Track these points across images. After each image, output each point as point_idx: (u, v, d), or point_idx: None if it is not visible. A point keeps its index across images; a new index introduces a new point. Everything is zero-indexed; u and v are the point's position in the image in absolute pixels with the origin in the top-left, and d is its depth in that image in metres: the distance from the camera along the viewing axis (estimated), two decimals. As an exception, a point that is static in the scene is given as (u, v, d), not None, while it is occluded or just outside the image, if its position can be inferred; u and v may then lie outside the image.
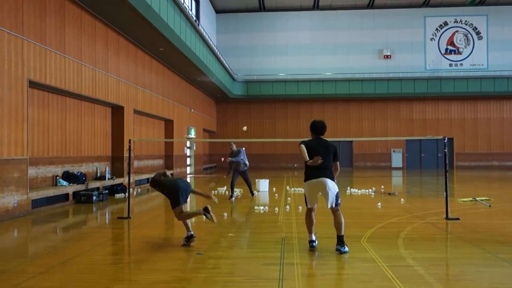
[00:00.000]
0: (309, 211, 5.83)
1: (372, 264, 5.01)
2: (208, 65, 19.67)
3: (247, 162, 11.72)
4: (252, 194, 11.94)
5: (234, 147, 11.67)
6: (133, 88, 14.98)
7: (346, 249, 5.45)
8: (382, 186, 14.21)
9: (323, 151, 5.63)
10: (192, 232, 6.09)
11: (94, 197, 10.83)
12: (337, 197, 5.58)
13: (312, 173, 5.67)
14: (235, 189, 11.79)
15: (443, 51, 29.17)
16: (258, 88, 28.25)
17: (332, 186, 5.58)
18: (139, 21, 12.43)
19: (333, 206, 5.56)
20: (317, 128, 5.88)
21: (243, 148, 11.89)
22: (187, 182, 6.49)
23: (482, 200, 10.70)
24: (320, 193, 5.70)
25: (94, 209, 10.12)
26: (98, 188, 11.95)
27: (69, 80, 10.71)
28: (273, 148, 29.43)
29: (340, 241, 5.52)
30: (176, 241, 6.66)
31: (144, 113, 16.39)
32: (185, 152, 22.57)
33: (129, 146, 8.84)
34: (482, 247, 5.79)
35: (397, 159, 29.26)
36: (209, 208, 6.06)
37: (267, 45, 29.51)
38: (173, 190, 6.11)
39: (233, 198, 11.53)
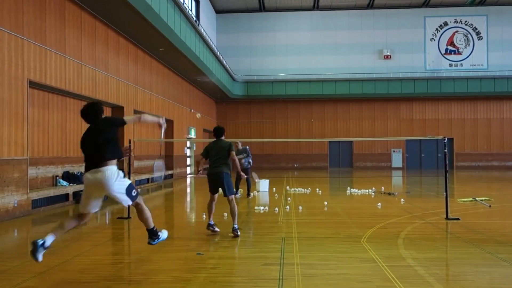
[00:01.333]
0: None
1: (372, 264, 5.01)
2: (208, 65, 19.67)
3: (250, 161, 12.02)
4: (248, 195, 12.01)
5: (240, 146, 12.02)
6: (133, 88, 14.98)
7: (156, 241, 4.79)
8: (383, 187, 14.22)
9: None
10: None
11: (94, 197, 10.80)
12: (129, 191, 4.46)
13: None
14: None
15: (443, 51, 29.18)
16: (258, 88, 28.26)
17: (111, 182, 4.30)
18: (139, 21, 12.43)
19: (130, 203, 4.58)
20: None
21: (247, 147, 12.19)
22: None
23: (482, 200, 10.70)
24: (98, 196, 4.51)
25: (94, 209, 10.10)
26: (98, 188, 11.94)
27: (69, 80, 10.72)
28: (273, 148, 29.43)
29: (151, 233, 4.78)
30: (176, 241, 6.66)
31: (144, 113, 16.39)
32: (185, 152, 22.58)
33: (129, 146, 8.83)
34: (482, 247, 5.79)
35: (397, 159, 29.26)
36: None
37: (267, 45, 29.52)
38: None
39: (238, 195, 11.87)
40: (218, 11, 29.34)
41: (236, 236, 6.53)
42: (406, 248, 5.74)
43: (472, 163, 28.74)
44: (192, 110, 23.13)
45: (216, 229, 6.86)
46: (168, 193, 14.71)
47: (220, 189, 6.82)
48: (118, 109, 14.12)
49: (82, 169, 12.13)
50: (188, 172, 23.11)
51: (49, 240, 4.21)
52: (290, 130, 29.45)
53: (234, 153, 6.77)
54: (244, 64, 29.19)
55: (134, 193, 4.55)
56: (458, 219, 7.97)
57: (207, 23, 26.22)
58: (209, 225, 6.89)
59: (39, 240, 4.12)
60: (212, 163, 6.77)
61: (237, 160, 6.89)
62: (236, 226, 6.65)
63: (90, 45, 11.92)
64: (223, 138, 7.03)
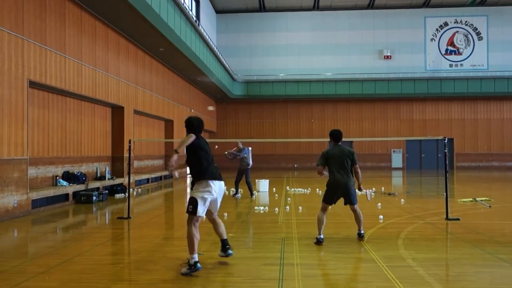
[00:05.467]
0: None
1: (372, 264, 5.00)
2: (208, 65, 19.67)
3: (250, 162, 12.03)
4: (252, 195, 12.02)
5: (240, 145, 12.07)
6: (133, 88, 14.98)
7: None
8: (383, 187, 14.22)
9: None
10: None
11: (94, 197, 10.83)
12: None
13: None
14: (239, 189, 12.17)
15: (443, 52, 29.17)
16: (258, 89, 28.25)
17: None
18: (139, 21, 12.43)
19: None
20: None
21: (250, 148, 12.24)
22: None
23: (482, 200, 10.69)
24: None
25: (94, 209, 10.12)
26: (98, 188, 11.95)
27: (69, 80, 10.71)
28: (273, 149, 29.42)
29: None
30: (176, 241, 6.66)
31: (144, 113, 16.39)
32: (185, 152, 22.52)
33: (129, 146, 8.85)
34: (482, 247, 5.79)
35: (397, 159, 29.25)
36: None
37: (267, 45, 29.51)
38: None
39: (239, 195, 11.96)
40: (218, 11, 29.34)
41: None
42: (406, 249, 5.74)
43: (472, 163, 28.72)
44: (192, 110, 23.14)
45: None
46: (168, 193, 14.71)
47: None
48: (118, 109, 14.13)
49: (82, 169, 12.17)
50: (188, 172, 23.06)
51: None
52: (290, 130, 29.44)
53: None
54: (244, 64, 29.19)
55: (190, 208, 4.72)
56: (458, 219, 7.96)
57: (207, 23, 26.22)
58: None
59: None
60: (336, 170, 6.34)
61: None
62: (362, 232, 6.40)
63: (90, 45, 11.91)
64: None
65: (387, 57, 28.96)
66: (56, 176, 10.94)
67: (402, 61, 28.93)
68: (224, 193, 12.97)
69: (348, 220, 8.14)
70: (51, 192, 9.99)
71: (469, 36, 29.12)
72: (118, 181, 13.28)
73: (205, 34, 19.80)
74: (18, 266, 5.09)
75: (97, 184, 12.08)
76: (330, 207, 6.31)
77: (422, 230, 7.17)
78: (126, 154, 13.86)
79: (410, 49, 29.04)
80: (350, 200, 6.22)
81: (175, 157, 4.70)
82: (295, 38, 29.40)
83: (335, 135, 6.71)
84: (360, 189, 6.36)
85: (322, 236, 6.10)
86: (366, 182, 17.09)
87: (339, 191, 6.20)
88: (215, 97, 28.33)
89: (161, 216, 9.54)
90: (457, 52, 29.16)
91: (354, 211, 6.28)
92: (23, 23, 8.93)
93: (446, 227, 7.44)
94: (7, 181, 8.39)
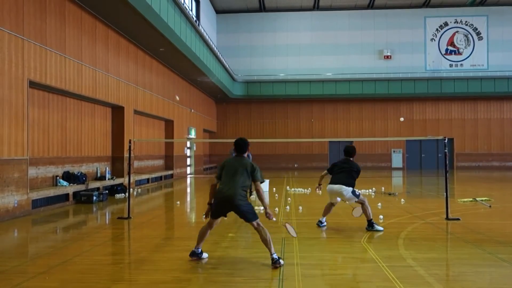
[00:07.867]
0: None
1: (372, 264, 5.00)
2: (208, 65, 19.67)
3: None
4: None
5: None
6: (133, 89, 14.98)
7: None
8: (383, 187, 14.22)
9: None
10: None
11: (94, 197, 10.83)
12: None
13: None
14: None
15: (443, 52, 29.17)
16: (258, 89, 28.26)
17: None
18: (140, 21, 12.43)
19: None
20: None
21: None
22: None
23: (482, 200, 10.69)
24: None
25: (94, 209, 10.12)
26: (98, 188, 11.96)
27: (69, 80, 10.71)
28: (273, 149, 29.43)
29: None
30: (176, 241, 6.66)
31: (144, 113, 16.39)
32: (185, 152, 22.57)
33: (129, 146, 8.84)
34: (482, 247, 5.79)
35: (397, 159, 29.26)
36: None
37: (267, 45, 29.52)
38: None
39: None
40: (218, 11, 29.34)
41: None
42: (406, 248, 5.74)
43: (472, 163, 28.73)
44: (192, 110, 23.14)
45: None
46: (168, 193, 14.71)
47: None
48: (118, 109, 14.13)
49: (82, 169, 12.17)
50: (188, 172, 23.11)
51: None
52: (290, 130, 29.45)
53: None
54: (244, 64, 29.19)
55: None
56: (458, 219, 7.96)
57: (207, 23, 26.23)
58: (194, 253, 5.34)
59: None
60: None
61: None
62: (275, 255, 5.03)
63: (90, 45, 11.92)
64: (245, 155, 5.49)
65: (387, 57, 28.96)
66: (56, 176, 10.94)
67: (402, 61, 28.94)
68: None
69: (348, 220, 8.14)
70: (51, 192, 9.99)
71: (469, 36, 29.12)
72: (118, 181, 13.28)
73: (205, 34, 19.80)
74: (18, 266, 5.10)
75: (97, 184, 12.09)
76: (216, 223, 5.30)
77: (422, 230, 7.17)
78: (126, 154, 13.86)
79: (410, 49, 29.04)
80: (245, 217, 5.14)
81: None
82: (295, 38, 29.40)
83: (237, 144, 5.38)
84: (267, 215, 5.23)
85: (198, 251, 5.29)
86: (367, 182, 17.08)
87: (225, 206, 5.12)
88: (215, 97, 28.34)
89: (161, 216, 9.54)
90: (457, 52, 29.16)
91: (256, 229, 5.14)
92: (23, 23, 8.93)
93: (446, 227, 7.44)
94: (7, 181, 8.39)
